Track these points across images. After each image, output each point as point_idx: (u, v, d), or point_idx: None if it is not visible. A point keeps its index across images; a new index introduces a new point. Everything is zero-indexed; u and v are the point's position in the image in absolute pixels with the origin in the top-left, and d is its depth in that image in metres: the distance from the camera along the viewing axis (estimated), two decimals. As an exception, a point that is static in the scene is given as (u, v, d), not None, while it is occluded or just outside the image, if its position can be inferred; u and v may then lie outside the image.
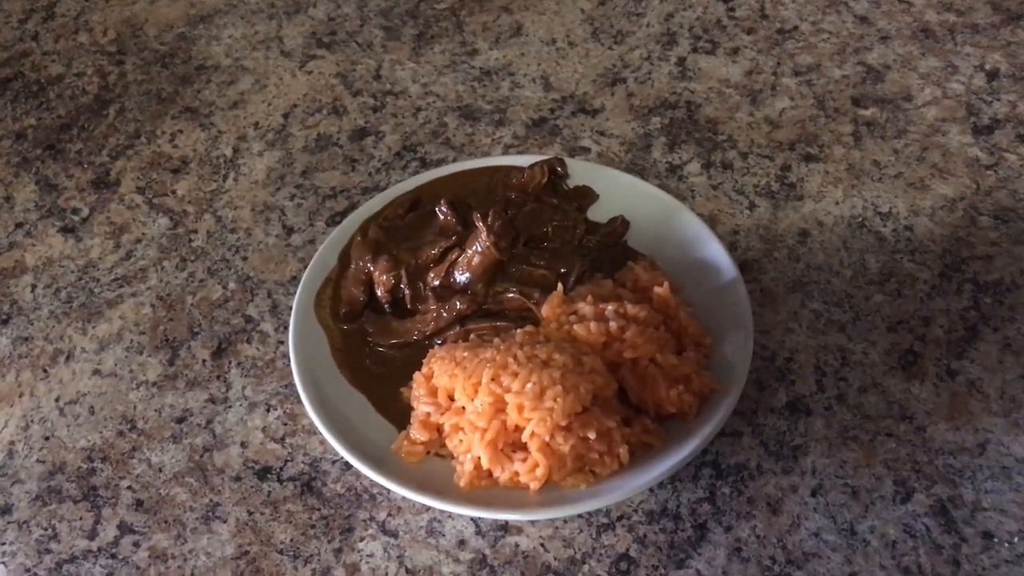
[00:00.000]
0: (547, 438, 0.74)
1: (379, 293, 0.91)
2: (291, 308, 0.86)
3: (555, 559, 0.75)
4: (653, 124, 1.09)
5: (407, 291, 0.90)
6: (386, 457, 0.77)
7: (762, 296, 0.90)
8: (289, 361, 0.82)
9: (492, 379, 0.76)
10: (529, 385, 0.75)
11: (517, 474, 0.74)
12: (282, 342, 0.90)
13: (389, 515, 0.78)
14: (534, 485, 0.74)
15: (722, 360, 0.81)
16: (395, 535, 0.77)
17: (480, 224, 0.87)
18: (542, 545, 0.76)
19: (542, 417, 0.74)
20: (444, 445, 0.78)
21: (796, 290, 0.90)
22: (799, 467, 0.78)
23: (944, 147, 1.07)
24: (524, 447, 0.74)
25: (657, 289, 0.84)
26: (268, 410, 0.85)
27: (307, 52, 1.25)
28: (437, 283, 0.89)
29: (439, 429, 0.78)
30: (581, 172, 0.98)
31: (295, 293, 0.87)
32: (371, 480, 0.75)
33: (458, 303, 0.87)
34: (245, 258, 0.98)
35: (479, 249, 0.87)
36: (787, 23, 1.24)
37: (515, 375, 0.76)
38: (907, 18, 1.23)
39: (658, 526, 0.75)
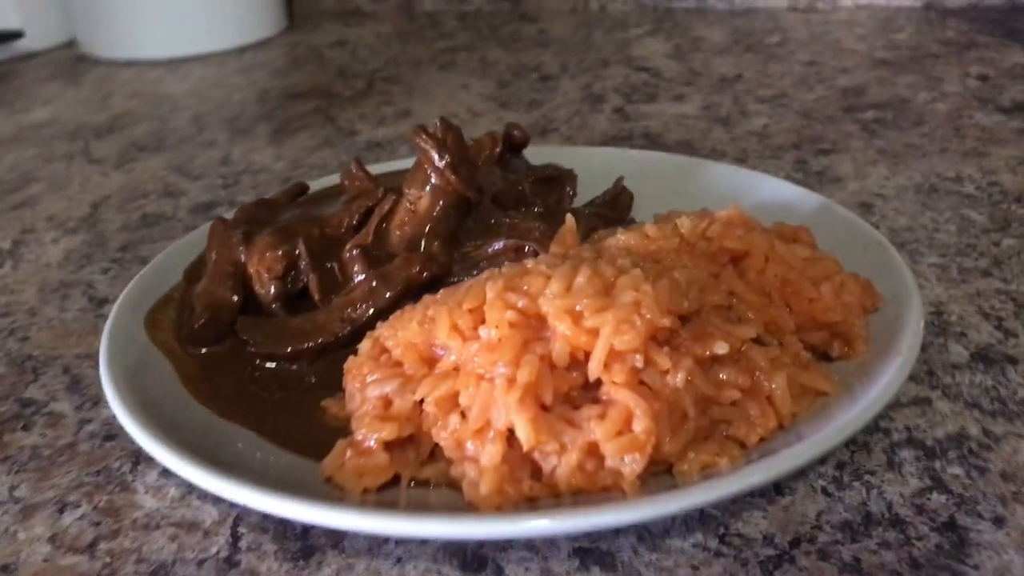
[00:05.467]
0: (639, 359, 0.39)
1: (259, 290, 0.53)
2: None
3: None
4: (610, 153, 0.80)
5: (310, 275, 0.52)
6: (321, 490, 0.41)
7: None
8: (102, 442, 0.51)
9: (507, 289, 0.42)
10: (580, 279, 0.41)
11: (593, 447, 0.38)
12: (88, 421, 0.54)
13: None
14: (634, 464, 0.38)
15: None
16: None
17: (423, 141, 0.53)
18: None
19: (623, 318, 0.39)
20: (427, 460, 0.43)
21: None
22: (1050, 420, 0.48)
23: (979, 124, 0.85)
24: (595, 393, 0.40)
25: (723, 213, 0.53)
26: (62, 510, 0.48)
27: (125, 157, 0.92)
28: (362, 249, 0.52)
29: (411, 418, 0.42)
30: (542, 159, 0.70)
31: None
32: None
33: (407, 264, 0.51)
34: (25, 338, 0.63)
35: (430, 185, 0.52)
36: (728, 73, 1.04)
37: (546, 277, 0.42)
38: (862, 47, 1.05)
39: (873, 541, 0.41)
